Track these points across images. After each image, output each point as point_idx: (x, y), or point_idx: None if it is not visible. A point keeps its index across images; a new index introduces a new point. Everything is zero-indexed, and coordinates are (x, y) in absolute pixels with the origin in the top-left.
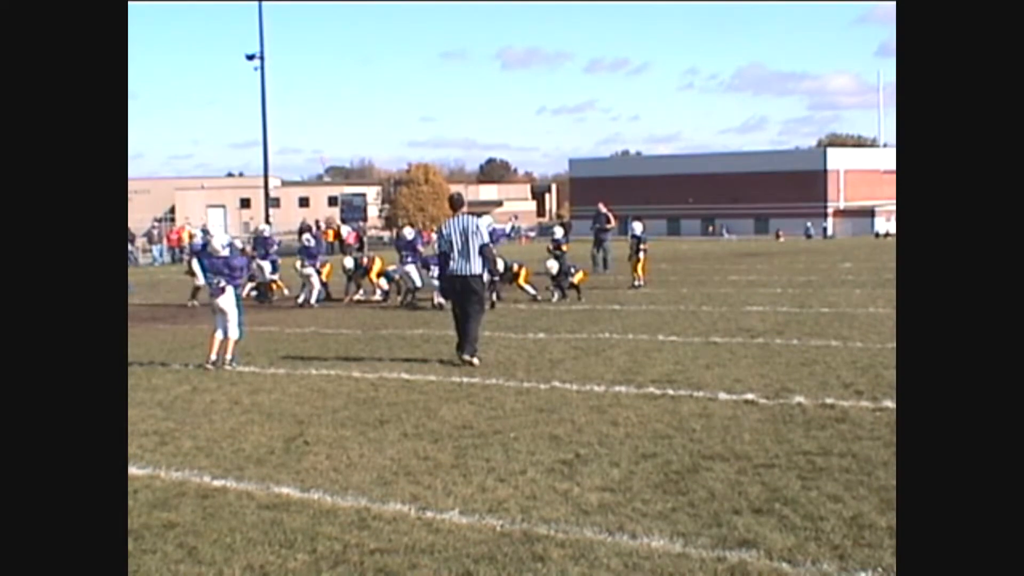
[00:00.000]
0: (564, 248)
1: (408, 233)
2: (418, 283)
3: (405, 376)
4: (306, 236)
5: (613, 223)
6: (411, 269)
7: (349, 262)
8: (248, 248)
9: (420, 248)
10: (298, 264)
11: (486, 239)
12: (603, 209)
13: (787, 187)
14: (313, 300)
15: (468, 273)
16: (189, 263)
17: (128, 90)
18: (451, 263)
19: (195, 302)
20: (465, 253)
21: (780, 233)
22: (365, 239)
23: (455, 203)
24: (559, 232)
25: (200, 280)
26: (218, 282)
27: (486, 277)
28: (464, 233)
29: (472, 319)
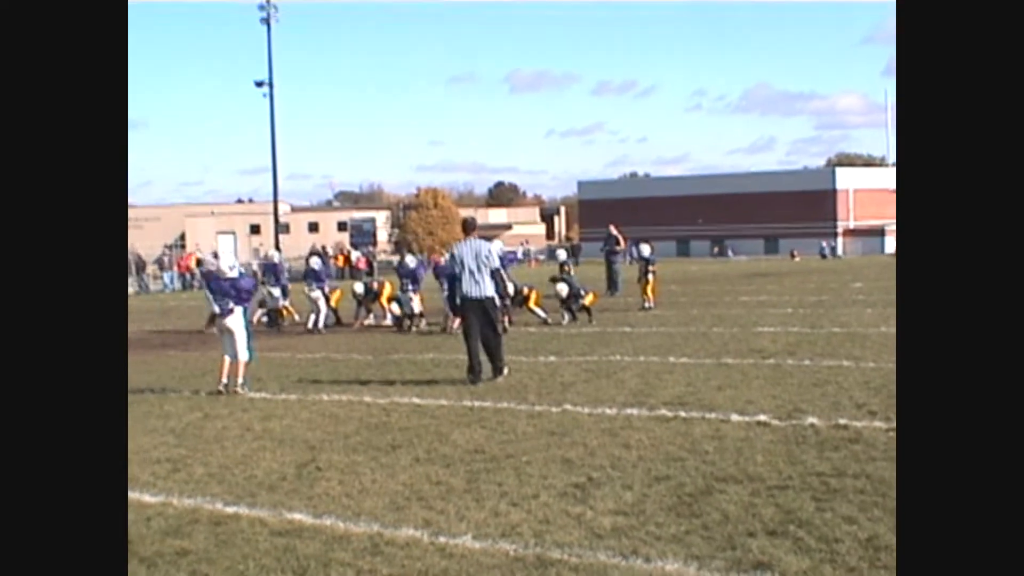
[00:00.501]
0: (567, 269)
1: (411, 261)
2: (417, 309)
3: (416, 401)
4: (314, 259)
5: (623, 245)
6: (412, 297)
7: (359, 287)
8: (259, 273)
9: (422, 276)
10: (306, 289)
11: (496, 264)
12: (614, 231)
13: (797, 207)
14: (321, 324)
15: (481, 296)
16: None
17: (128, 108)
18: (463, 285)
19: (212, 329)
20: (476, 276)
21: (795, 253)
22: (375, 264)
23: (467, 227)
24: (562, 255)
25: (215, 307)
26: (226, 303)
27: (497, 301)
28: (476, 257)
29: (491, 343)
